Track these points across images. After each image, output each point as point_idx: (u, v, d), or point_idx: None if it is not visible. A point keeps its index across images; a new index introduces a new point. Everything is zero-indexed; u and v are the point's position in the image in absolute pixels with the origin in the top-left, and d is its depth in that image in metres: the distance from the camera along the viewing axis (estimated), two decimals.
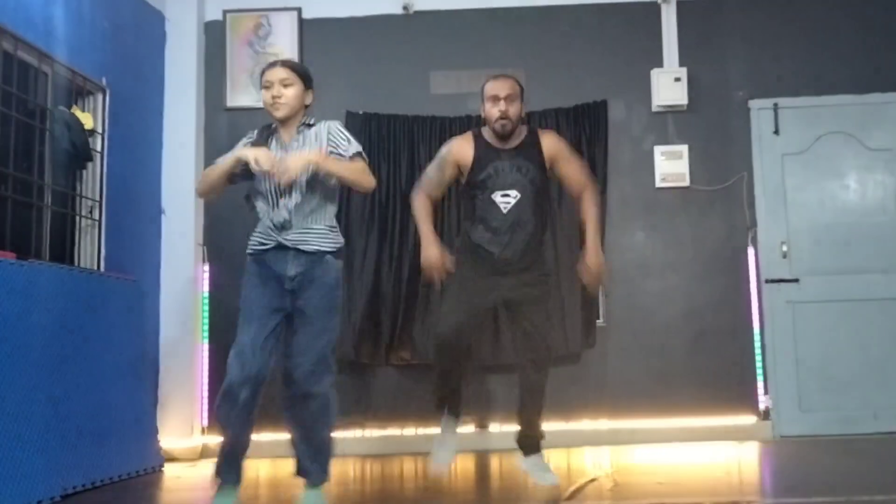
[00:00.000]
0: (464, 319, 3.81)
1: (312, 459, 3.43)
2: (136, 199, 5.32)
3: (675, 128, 5.70)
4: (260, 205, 3.42)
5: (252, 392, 3.22)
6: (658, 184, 5.65)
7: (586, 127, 5.62)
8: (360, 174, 3.37)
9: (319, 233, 3.36)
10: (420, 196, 3.96)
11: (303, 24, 5.84)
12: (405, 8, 5.82)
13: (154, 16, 5.60)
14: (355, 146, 3.41)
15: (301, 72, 3.42)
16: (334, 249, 3.38)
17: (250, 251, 3.42)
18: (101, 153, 4.96)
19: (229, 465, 3.38)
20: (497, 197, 3.82)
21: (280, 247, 3.33)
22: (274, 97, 3.35)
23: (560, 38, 5.79)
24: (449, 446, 4.08)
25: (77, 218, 4.86)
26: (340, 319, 3.57)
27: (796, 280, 5.55)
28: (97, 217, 4.92)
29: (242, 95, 5.80)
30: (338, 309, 3.44)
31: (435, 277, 3.84)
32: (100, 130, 4.98)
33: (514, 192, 3.81)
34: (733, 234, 5.61)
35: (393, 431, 5.50)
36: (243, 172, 3.39)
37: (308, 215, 3.35)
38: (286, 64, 3.43)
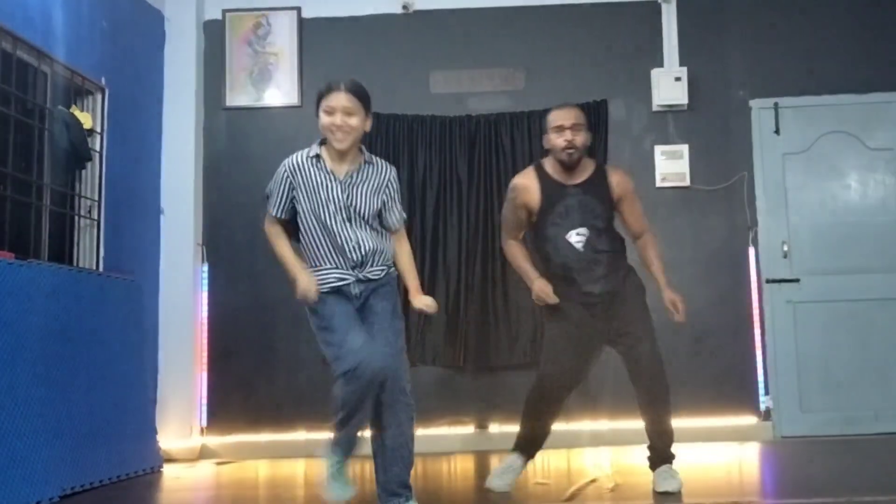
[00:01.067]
0: (575, 364, 3.75)
1: None
2: (135, 198, 5.31)
3: (676, 127, 5.69)
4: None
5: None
6: (658, 183, 5.64)
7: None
8: (412, 260, 3.41)
9: None
10: (506, 243, 3.93)
11: (302, 24, 5.84)
12: (405, 7, 5.81)
13: (153, 15, 5.59)
14: (402, 214, 3.37)
15: (364, 97, 3.22)
16: None
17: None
18: (100, 153, 4.95)
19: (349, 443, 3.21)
20: (571, 237, 3.71)
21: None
22: (337, 126, 3.15)
23: (560, 38, 5.78)
24: (508, 474, 3.88)
25: (76, 218, 4.85)
26: None
27: (797, 280, 5.54)
28: (96, 217, 4.91)
29: (241, 95, 5.79)
30: None
31: (546, 301, 3.74)
32: (99, 130, 4.98)
33: (584, 230, 3.71)
34: (734, 233, 5.60)
35: None
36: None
37: None
38: (350, 89, 3.17)
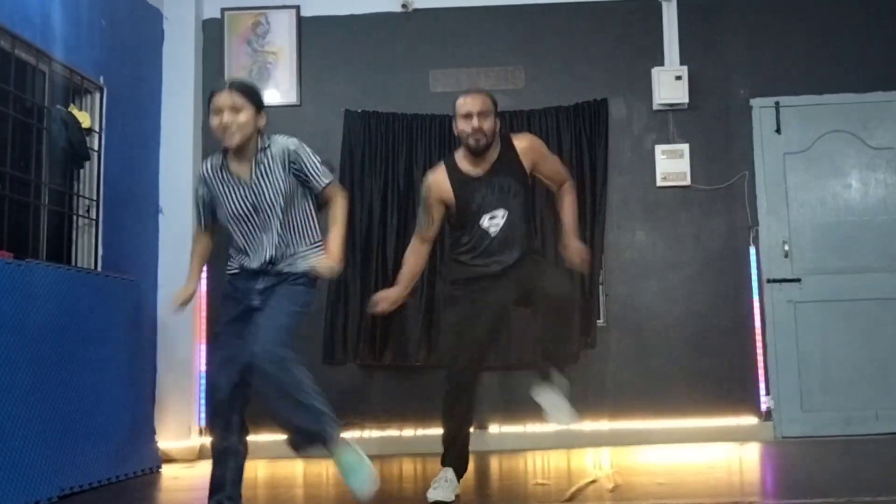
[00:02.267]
0: (475, 355, 3.71)
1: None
2: (134, 198, 5.30)
3: (676, 126, 5.67)
4: None
5: None
6: (659, 183, 5.62)
7: (587, 125, 5.60)
8: (345, 213, 3.33)
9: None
10: (411, 243, 3.93)
11: (301, 22, 5.82)
12: (404, 6, 5.79)
13: (152, 14, 5.58)
14: (326, 174, 3.31)
15: (251, 93, 3.23)
16: None
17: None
18: (99, 152, 4.94)
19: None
20: (484, 222, 3.70)
21: None
22: (225, 125, 3.16)
23: (560, 36, 5.77)
24: (446, 486, 3.75)
25: (74, 217, 4.84)
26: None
27: (798, 279, 5.52)
28: (94, 216, 4.90)
29: None
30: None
31: (379, 310, 3.86)
32: (97, 129, 4.96)
33: (500, 212, 3.70)
34: (734, 233, 5.59)
35: (392, 432, 5.48)
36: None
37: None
38: (234, 86, 3.20)
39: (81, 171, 4.88)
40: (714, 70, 5.69)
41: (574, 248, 3.81)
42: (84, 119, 4.76)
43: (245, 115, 3.18)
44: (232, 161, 3.26)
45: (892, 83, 5.60)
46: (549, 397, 3.74)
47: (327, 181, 3.31)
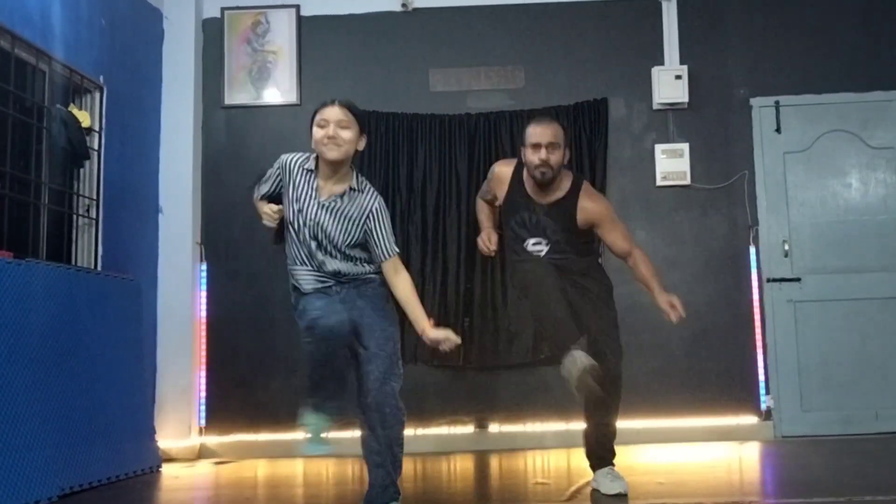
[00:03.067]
0: (565, 313, 3.53)
1: None
2: (134, 197, 5.29)
3: (676, 126, 5.67)
4: None
5: None
6: (659, 182, 5.62)
7: (586, 125, 5.60)
8: (414, 290, 3.30)
9: None
10: (477, 200, 4.07)
11: (301, 22, 5.82)
12: (404, 5, 5.79)
13: (152, 13, 5.58)
14: (394, 245, 3.28)
15: (359, 115, 3.25)
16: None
17: None
18: (98, 151, 4.94)
19: None
20: (529, 245, 3.70)
21: None
22: (329, 137, 3.15)
23: (560, 36, 5.77)
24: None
25: (74, 216, 4.84)
26: None
27: (798, 279, 5.52)
28: (94, 216, 4.90)
29: (240, 93, 5.77)
30: None
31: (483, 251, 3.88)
32: (97, 128, 4.96)
33: (544, 242, 3.68)
34: (734, 232, 5.59)
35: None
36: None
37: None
38: (345, 104, 3.22)
39: (81, 170, 4.87)
40: (714, 69, 5.69)
41: (666, 301, 3.60)
42: (84, 118, 4.76)
43: (350, 134, 3.18)
44: (320, 176, 3.24)
45: (892, 83, 5.60)
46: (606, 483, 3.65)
47: (394, 253, 3.28)
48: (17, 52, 4.28)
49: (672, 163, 5.61)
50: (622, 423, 5.37)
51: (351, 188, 3.23)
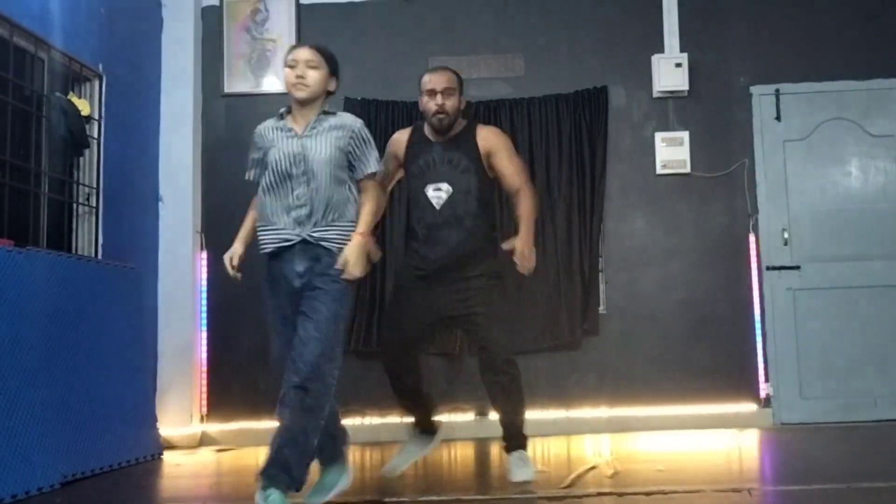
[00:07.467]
0: (405, 335, 3.73)
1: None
2: (134, 186, 5.29)
3: (676, 114, 5.67)
4: None
5: None
6: (659, 170, 5.62)
7: (586, 113, 5.59)
8: (379, 208, 3.38)
9: None
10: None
11: (300, 10, 5.80)
12: None
13: (151, 1, 5.56)
14: (373, 165, 3.34)
15: (327, 56, 3.35)
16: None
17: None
18: (98, 140, 4.93)
19: None
20: (429, 191, 3.68)
21: None
22: (298, 76, 3.25)
23: (560, 24, 5.75)
24: (405, 455, 3.95)
25: (74, 205, 4.84)
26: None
27: (797, 267, 5.53)
28: (94, 204, 4.90)
29: (240, 81, 5.76)
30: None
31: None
32: (96, 117, 4.95)
33: (445, 186, 3.66)
34: (734, 220, 5.59)
35: (393, 419, 5.49)
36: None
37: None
38: (314, 46, 3.36)
39: (81, 158, 4.87)
40: (714, 57, 5.68)
41: (521, 246, 3.53)
42: (83, 107, 4.76)
43: (319, 74, 3.28)
44: (292, 116, 3.33)
45: (892, 70, 5.59)
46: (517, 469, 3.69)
47: (371, 171, 3.34)
48: (16, 40, 4.27)
49: (672, 151, 5.61)
50: (622, 411, 5.44)
51: (324, 112, 3.31)
